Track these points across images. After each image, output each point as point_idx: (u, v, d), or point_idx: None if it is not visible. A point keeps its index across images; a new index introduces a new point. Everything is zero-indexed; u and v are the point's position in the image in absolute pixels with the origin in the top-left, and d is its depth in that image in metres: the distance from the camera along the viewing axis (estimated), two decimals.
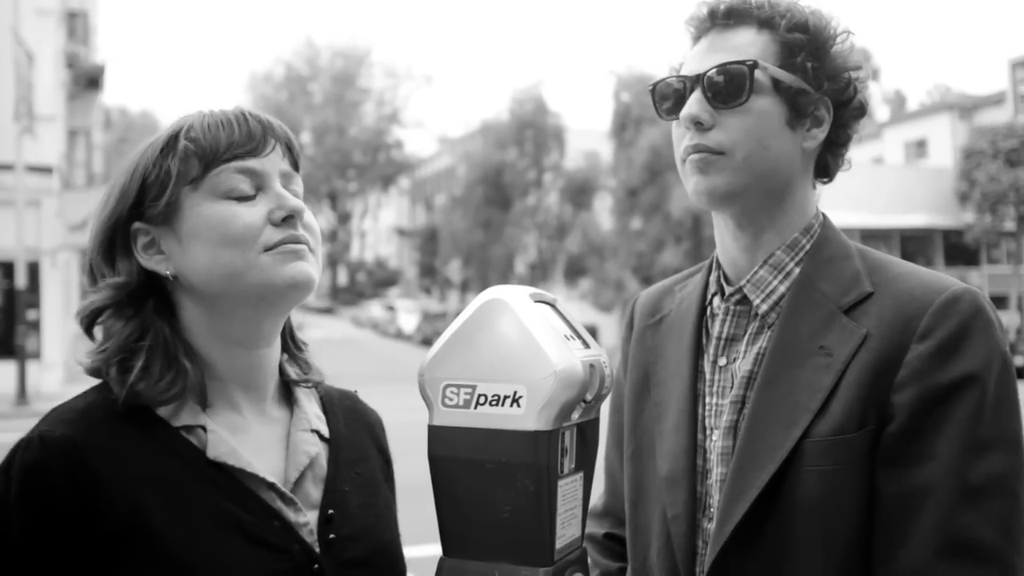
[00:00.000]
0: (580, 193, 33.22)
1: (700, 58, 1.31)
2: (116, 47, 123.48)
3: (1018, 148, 27.48)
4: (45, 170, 19.32)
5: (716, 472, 1.30)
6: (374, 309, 48.69)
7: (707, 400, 1.35)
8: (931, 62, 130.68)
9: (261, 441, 1.18)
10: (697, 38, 1.34)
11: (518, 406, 1.10)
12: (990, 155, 27.91)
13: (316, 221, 1.19)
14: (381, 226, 69.88)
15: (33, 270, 18.71)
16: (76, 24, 25.80)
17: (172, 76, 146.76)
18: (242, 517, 1.09)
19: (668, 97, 1.34)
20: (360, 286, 63.06)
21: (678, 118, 1.31)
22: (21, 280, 17.69)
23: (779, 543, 1.20)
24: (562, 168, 35.12)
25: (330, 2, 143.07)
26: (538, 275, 34.54)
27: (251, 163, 1.13)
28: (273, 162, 1.15)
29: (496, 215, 35.14)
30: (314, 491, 1.19)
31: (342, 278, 65.96)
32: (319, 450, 1.23)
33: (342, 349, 32.68)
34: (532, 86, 35.67)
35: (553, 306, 1.24)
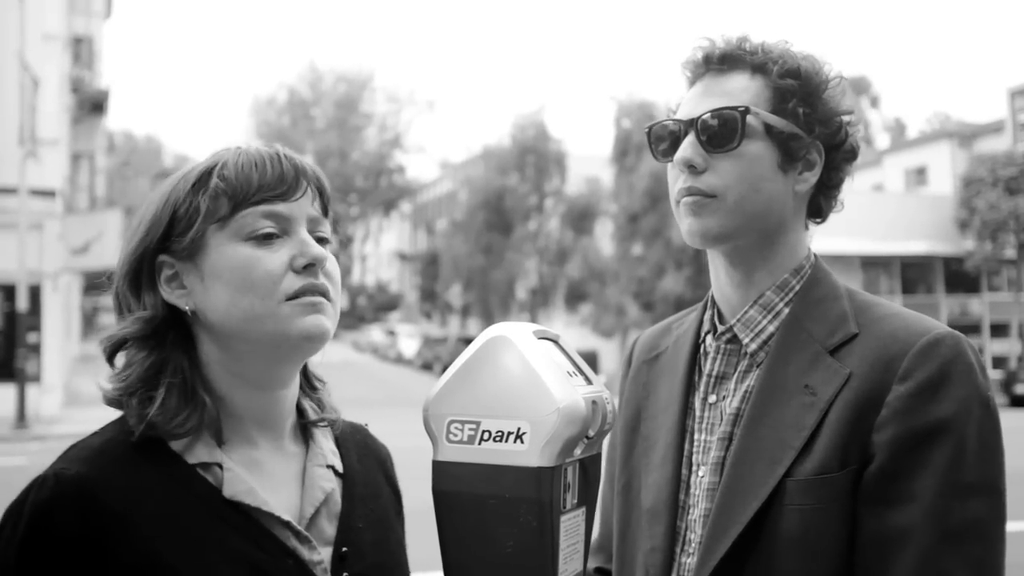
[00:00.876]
0: (581, 218, 33.30)
1: (695, 102, 1.34)
2: (120, 72, 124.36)
3: (1017, 176, 27.59)
4: (48, 194, 19.40)
5: (700, 507, 1.32)
6: (375, 333, 48.62)
7: (696, 436, 1.37)
8: (931, 90, 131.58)
9: (277, 477, 1.18)
10: (693, 82, 1.37)
11: (522, 442, 1.11)
12: (990, 183, 28.01)
13: (338, 268, 1.20)
14: (382, 250, 69.99)
15: (34, 293, 18.72)
16: (81, 49, 26.02)
17: (176, 101, 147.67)
18: (256, 556, 1.09)
19: (664, 139, 1.37)
20: (361, 310, 63.07)
21: (673, 160, 1.34)
22: (22, 303, 17.70)
23: None
24: (563, 193, 35.21)
25: (334, 28, 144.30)
26: (539, 300, 34.54)
27: (279, 207, 1.14)
28: (302, 207, 1.16)
29: (497, 240, 35.21)
30: (328, 527, 1.19)
31: (343, 302, 65.98)
32: (334, 486, 1.23)
33: (342, 373, 32.63)
34: (534, 112, 35.84)
35: (556, 342, 1.26)
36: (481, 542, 1.11)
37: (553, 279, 33.99)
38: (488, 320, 36.35)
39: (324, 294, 1.15)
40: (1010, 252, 28.47)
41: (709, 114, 1.30)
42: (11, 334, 18.73)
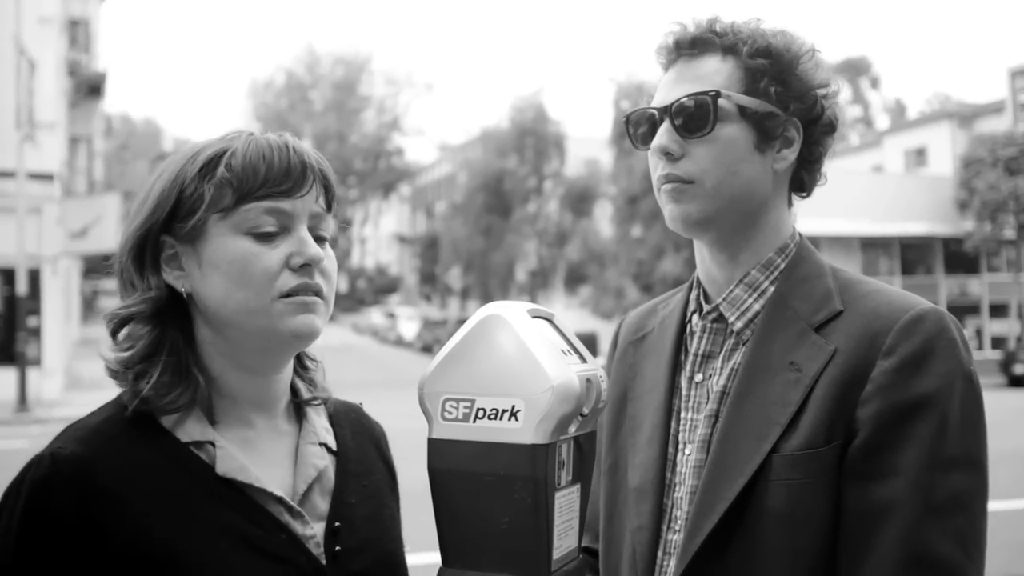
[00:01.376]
0: (580, 201, 33.28)
1: (668, 88, 1.34)
2: (118, 55, 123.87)
3: (1017, 156, 27.53)
4: (46, 177, 19.36)
5: (687, 485, 1.33)
6: (374, 316, 48.68)
7: (682, 415, 1.38)
8: (931, 71, 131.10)
9: (270, 455, 1.20)
10: (666, 67, 1.38)
11: (516, 420, 1.12)
12: (989, 163, 27.96)
13: (335, 264, 1.21)
14: (382, 233, 69.95)
15: (34, 277, 18.72)
16: (77, 32, 25.88)
17: (174, 83, 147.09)
18: (250, 531, 1.11)
19: (641, 126, 1.38)
20: (360, 293, 63.10)
21: (650, 147, 1.35)
22: (22, 287, 17.70)
23: (748, 555, 1.22)
24: (562, 176, 35.18)
25: (331, 10, 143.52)
26: (538, 282, 34.56)
27: (283, 204, 1.15)
28: (305, 204, 1.17)
29: (496, 222, 35.18)
30: (321, 503, 1.21)
31: (343, 285, 66.04)
32: (327, 463, 1.25)
33: (342, 356, 32.69)
34: (532, 94, 35.74)
35: (551, 321, 1.27)
36: (476, 519, 1.12)
37: (552, 261, 34.01)
38: (488, 302, 36.40)
39: (318, 293, 1.16)
40: (1009, 232, 28.46)
41: (681, 100, 1.30)
42: (11, 318, 18.75)
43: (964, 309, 30.08)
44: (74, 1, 25.21)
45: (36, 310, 18.98)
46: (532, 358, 1.14)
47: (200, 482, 1.12)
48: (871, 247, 29.75)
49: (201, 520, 1.10)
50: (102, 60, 32.68)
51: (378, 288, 63.47)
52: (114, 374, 1.16)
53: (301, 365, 1.31)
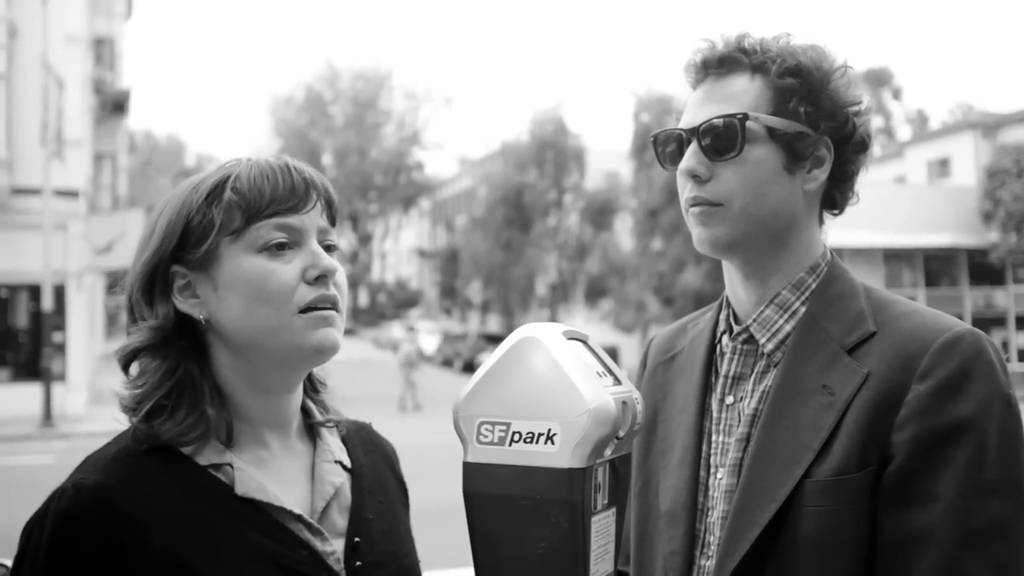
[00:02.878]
0: (600, 214, 33.21)
1: (696, 109, 1.33)
2: (141, 72, 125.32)
3: None
4: (72, 194, 19.59)
5: (719, 510, 1.31)
6: (395, 330, 48.80)
7: (713, 438, 1.36)
8: (953, 81, 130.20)
9: (287, 474, 1.22)
10: (695, 86, 1.36)
11: (552, 443, 1.12)
12: (1014, 174, 27.67)
13: (345, 277, 1.23)
14: (402, 247, 70.17)
15: (59, 293, 18.93)
16: (103, 50, 26.23)
17: (197, 100, 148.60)
18: (272, 549, 1.13)
19: (668, 146, 1.37)
20: (381, 307, 63.26)
21: (678, 168, 1.34)
22: (48, 303, 17.90)
23: None
24: (582, 189, 35.13)
25: (351, 25, 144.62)
26: (559, 296, 34.52)
27: (291, 220, 1.17)
28: (312, 219, 1.19)
29: (516, 236, 35.19)
30: (340, 520, 1.23)
31: (363, 299, 66.26)
32: (343, 480, 1.27)
33: (363, 371, 32.73)
34: (552, 107, 35.76)
35: (585, 342, 1.26)
36: (512, 543, 1.12)
37: (573, 275, 33.94)
38: (508, 316, 36.37)
39: (335, 305, 1.18)
40: None
41: (710, 122, 1.29)
42: (37, 333, 18.97)
43: (990, 321, 29.72)
44: (99, 19, 25.57)
45: (61, 326, 19.17)
46: (568, 381, 1.14)
47: (220, 504, 1.13)
48: (894, 259, 29.49)
49: (224, 541, 1.11)
50: (126, 77, 33.08)
51: (398, 302, 63.61)
52: (127, 410, 1.18)
53: (313, 388, 1.34)
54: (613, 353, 20.53)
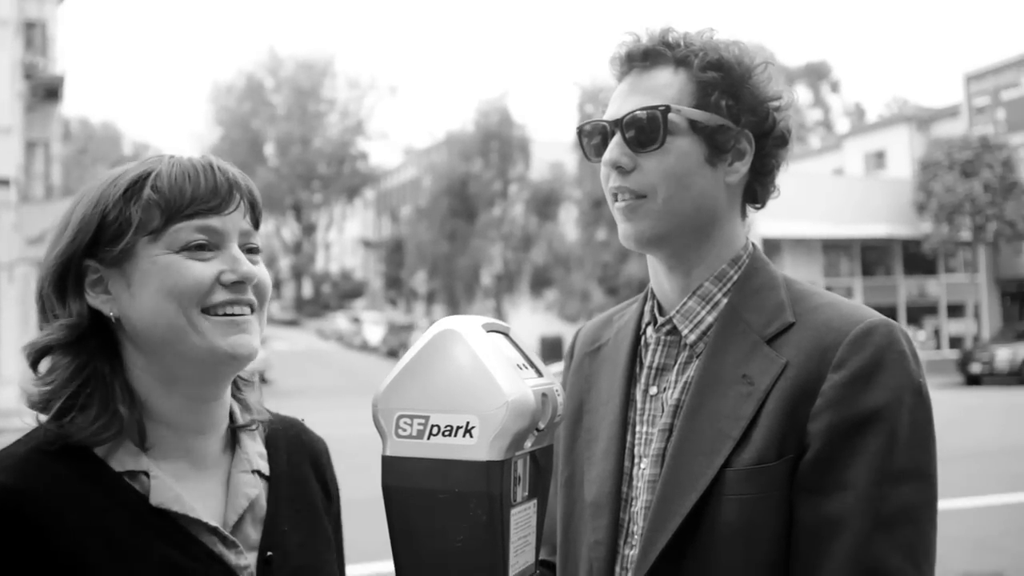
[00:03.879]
0: (545, 204, 33.32)
1: (620, 101, 1.34)
2: (76, 57, 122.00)
3: (973, 160, 28.03)
4: (2, 182, 19.03)
5: (642, 499, 1.32)
6: (339, 321, 48.40)
7: (637, 428, 1.38)
8: (889, 75, 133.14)
9: (204, 485, 1.18)
10: (619, 79, 1.38)
11: (471, 436, 1.11)
12: (946, 166, 28.43)
13: (268, 280, 1.19)
14: (346, 237, 69.56)
15: None
16: (34, 34, 25.46)
17: (134, 87, 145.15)
18: (184, 563, 1.10)
19: (593, 139, 1.38)
20: (325, 298, 62.68)
21: (601, 160, 1.35)
22: None
23: (702, 570, 1.23)
24: (527, 179, 35.20)
25: (293, 13, 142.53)
26: (504, 286, 34.56)
27: (212, 221, 1.13)
28: (234, 221, 1.15)
29: (462, 226, 35.13)
30: (253, 532, 1.19)
31: (307, 290, 65.56)
32: (259, 491, 1.22)
33: (307, 361, 32.44)
34: (497, 98, 35.73)
35: (506, 335, 1.26)
36: (431, 537, 1.11)
37: (518, 265, 34.00)
38: (454, 306, 36.30)
39: (251, 308, 1.15)
40: (966, 234, 28.93)
41: (633, 114, 1.31)
42: None
43: (923, 310, 30.56)
44: (30, 3, 24.79)
45: None
46: (487, 373, 1.13)
47: (134, 514, 1.09)
48: (832, 249, 30.12)
49: (133, 553, 1.07)
50: (60, 63, 32.17)
51: (343, 293, 63.09)
52: (36, 408, 1.13)
53: (235, 386, 1.28)
54: (558, 343, 20.70)
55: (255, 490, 1.21)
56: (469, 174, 35.14)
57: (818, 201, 26.89)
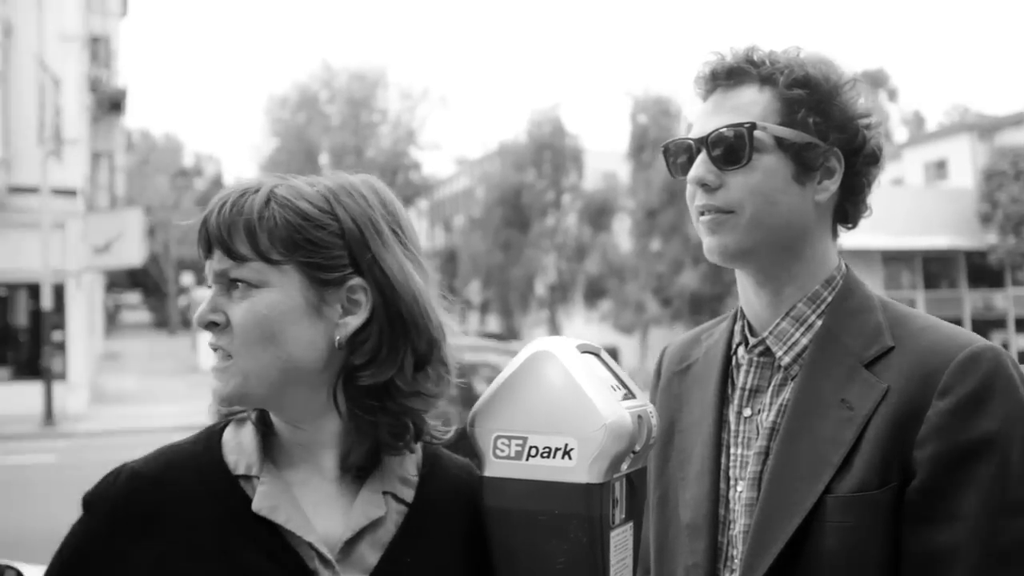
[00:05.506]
0: (599, 214, 33.18)
1: (705, 119, 1.34)
2: (137, 70, 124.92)
3: None
4: (70, 193, 19.57)
5: (740, 523, 1.31)
6: None
7: (732, 450, 1.36)
8: (949, 83, 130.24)
9: (325, 495, 1.15)
10: (704, 98, 1.37)
11: (569, 458, 1.12)
12: (1012, 176, 27.73)
13: (254, 315, 1.10)
14: None
15: (58, 292, 18.92)
16: (98, 48, 26.17)
17: (194, 99, 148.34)
18: (269, 572, 1.08)
19: (679, 157, 1.38)
20: None
21: (687, 177, 1.35)
22: (47, 302, 17.89)
23: None
24: (580, 189, 35.09)
25: (346, 25, 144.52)
26: (558, 297, 34.49)
27: (206, 266, 1.15)
28: (212, 265, 1.13)
29: (515, 236, 35.14)
30: (370, 555, 1.13)
31: None
32: (384, 513, 1.15)
33: None
34: (550, 108, 35.67)
35: (598, 355, 1.27)
36: (532, 559, 1.12)
37: (572, 275, 33.87)
38: (507, 317, 36.31)
39: (226, 352, 1.11)
40: None
41: (718, 132, 1.30)
42: (36, 332, 18.98)
43: (989, 323, 29.72)
44: (94, 17, 25.51)
45: (61, 324, 19.18)
46: (583, 396, 1.14)
47: (234, 516, 1.11)
48: (893, 261, 29.51)
49: (221, 556, 1.09)
50: (122, 76, 33.01)
51: None
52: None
53: (386, 410, 1.15)
54: (613, 354, 20.57)
55: (379, 511, 1.15)
56: (522, 184, 35.17)
57: (877, 211, 26.26)
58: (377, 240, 1.15)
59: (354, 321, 1.12)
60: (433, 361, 1.17)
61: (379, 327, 1.13)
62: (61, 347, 19.12)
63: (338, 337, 1.12)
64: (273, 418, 1.18)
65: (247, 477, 1.14)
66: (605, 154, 35.89)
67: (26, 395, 18.46)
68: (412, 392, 1.15)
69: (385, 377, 1.13)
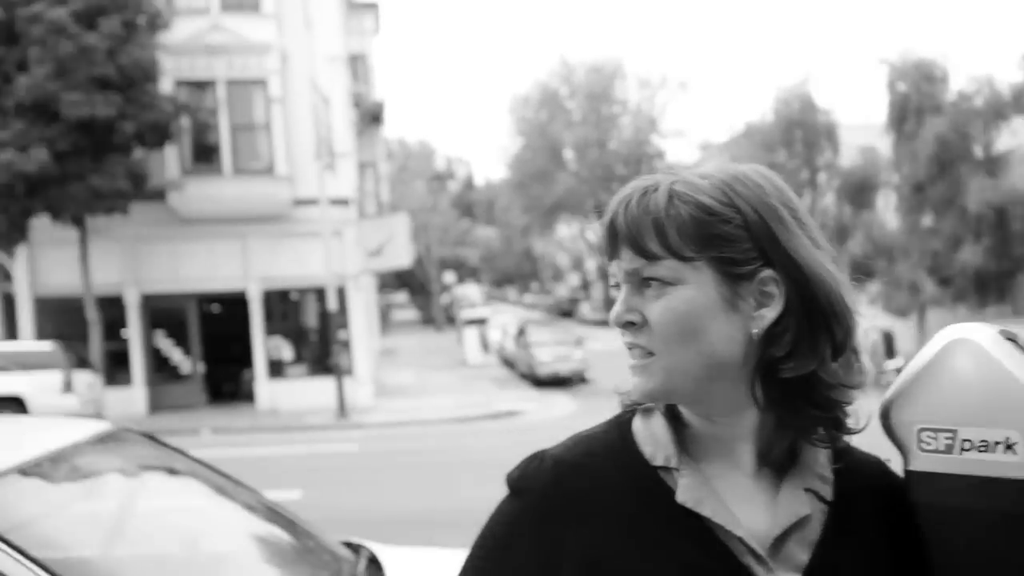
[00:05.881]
0: (859, 192, 31.21)
1: None
2: (390, 83, 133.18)
3: None
4: (344, 202, 21.27)
5: None
6: None
7: None
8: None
9: (744, 490, 1.14)
10: None
11: (1014, 452, 1.05)
12: None
13: (672, 311, 1.10)
14: None
15: (341, 294, 20.66)
16: (357, 66, 28.17)
17: (442, 105, 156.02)
18: (708, 566, 1.08)
19: None
20: None
21: None
22: (332, 303, 19.57)
23: None
24: (836, 167, 33.30)
25: (581, 20, 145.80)
26: None
27: (612, 267, 1.15)
28: (620, 265, 1.14)
29: None
30: (800, 552, 1.11)
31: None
32: (810, 512, 1.13)
33: (622, 361, 32.86)
34: (798, 84, 34.11)
35: (1015, 342, 1.18)
36: (982, 558, 1.06)
37: (834, 257, 32.30)
38: None
39: (643, 350, 1.12)
40: None
41: None
42: (325, 332, 20.89)
43: None
44: (353, 37, 27.45)
45: (345, 324, 20.94)
46: (1020, 386, 1.06)
47: (659, 508, 1.11)
48: None
49: (657, 546, 1.09)
50: (379, 90, 35.29)
51: None
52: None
53: (813, 403, 1.13)
54: (889, 338, 19.10)
55: (805, 509, 1.12)
56: (773, 165, 33.72)
57: None
58: (783, 228, 1.12)
59: (770, 313, 1.10)
60: (848, 349, 1.13)
61: (796, 318, 1.10)
62: (346, 345, 20.85)
63: (755, 330, 1.10)
64: (683, 411, 1.18)
65: (666, 469, 1.14)
66: (861, 127, 33.76)
67: (320, 389, 20.36)
68: (835, 383, 1.11)
69: (808, 369, 1.09)
